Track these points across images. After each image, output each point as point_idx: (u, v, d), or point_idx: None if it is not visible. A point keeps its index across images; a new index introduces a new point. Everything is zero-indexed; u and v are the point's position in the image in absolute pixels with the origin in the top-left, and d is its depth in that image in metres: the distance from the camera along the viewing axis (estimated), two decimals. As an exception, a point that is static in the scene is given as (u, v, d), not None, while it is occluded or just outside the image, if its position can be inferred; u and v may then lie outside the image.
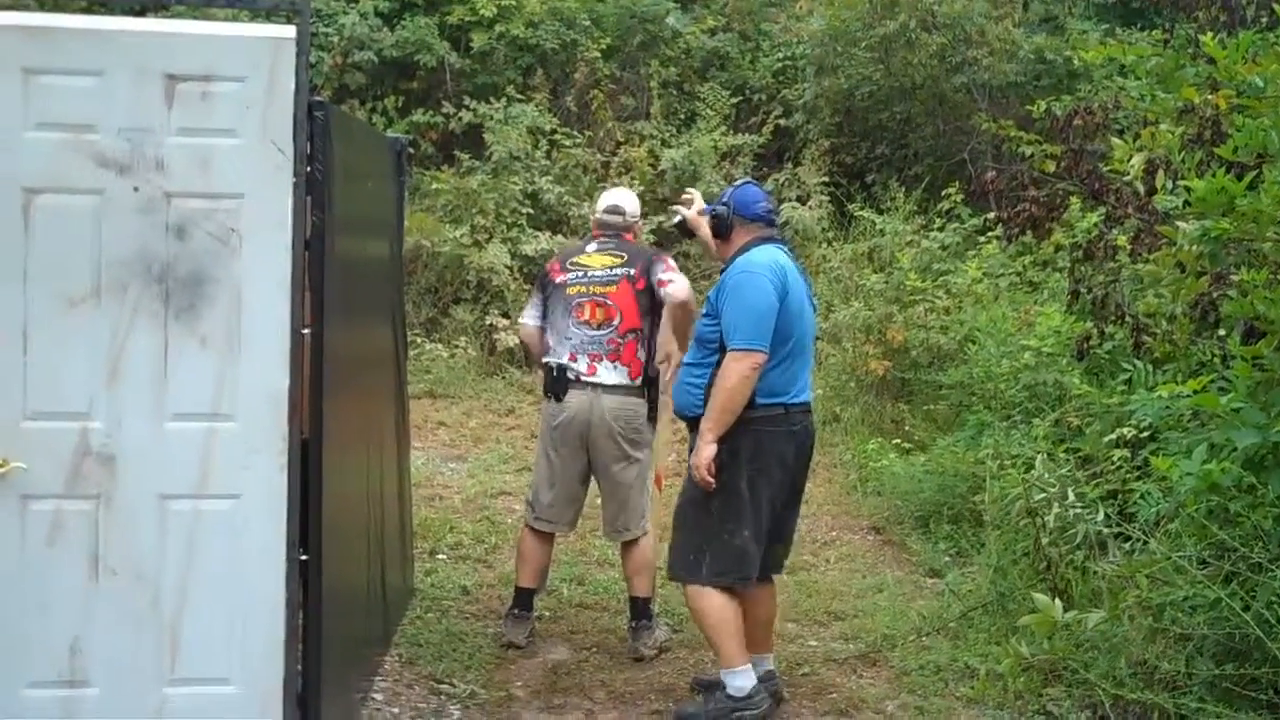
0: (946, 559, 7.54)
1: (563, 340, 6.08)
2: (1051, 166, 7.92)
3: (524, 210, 13.16)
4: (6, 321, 4.08)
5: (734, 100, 14.91)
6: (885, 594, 7.04)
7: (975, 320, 9.91)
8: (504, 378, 11.86)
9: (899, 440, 9.47)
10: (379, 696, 5.40)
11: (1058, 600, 4.99)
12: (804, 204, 13.70)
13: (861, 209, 13.10)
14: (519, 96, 14.28)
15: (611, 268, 6.07)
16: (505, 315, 12.35)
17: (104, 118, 4.35)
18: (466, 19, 14.67)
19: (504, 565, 7.16)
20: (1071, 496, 6.17)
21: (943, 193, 12.56)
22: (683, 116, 14.91)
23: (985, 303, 10.28)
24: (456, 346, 12.22)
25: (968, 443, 8.49)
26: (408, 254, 11.18)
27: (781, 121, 14.71)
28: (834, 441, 10.08)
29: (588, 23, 14.95)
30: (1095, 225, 8.35)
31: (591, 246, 6.24)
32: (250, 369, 4.16)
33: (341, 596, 4.59)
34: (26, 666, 4.09)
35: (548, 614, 6.47)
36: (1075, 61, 11.91)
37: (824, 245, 13.13)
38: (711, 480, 5.15)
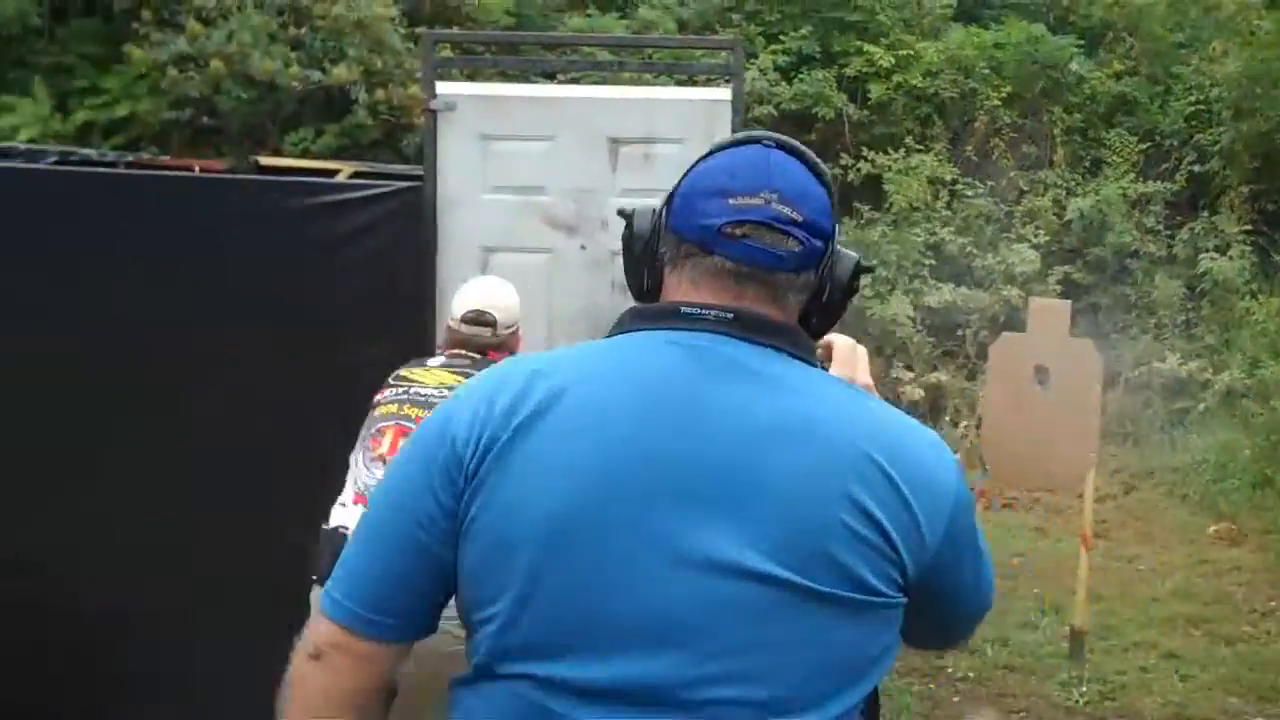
0: None
1: (351, 491, 3.79)
2: None
3: (926, 261, 13.00)
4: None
5: (1142, 146, 14.31)
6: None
7: None
8: (907, 430, 11.70)
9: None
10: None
11: None
12: (1224, 254, 13.00)
13: (1287, 257, 12.35)
14: (918, 146, 14.16)
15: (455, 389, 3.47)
16: (908, 368, 12.21)
17: (553, 180, 4.55)
18: (864, 70, 14.66)
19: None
20: None
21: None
22: (1087, 164, 14.44)
23: None
24: (859, 399, 12.14)
25: None
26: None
27: (1195, 168, 14.03)
28: (1267, 505, 9.47)
29: (987, 71, 14.70)
30: None
31: (436, 360, 4.02)
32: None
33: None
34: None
35: (972, 675, 6.31)
36: None
37: (1248, 298, 12.41)
38: None
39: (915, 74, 14.56)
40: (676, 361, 1.70)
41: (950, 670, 6.33)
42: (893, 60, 14.57)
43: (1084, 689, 6.13)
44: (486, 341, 3.94)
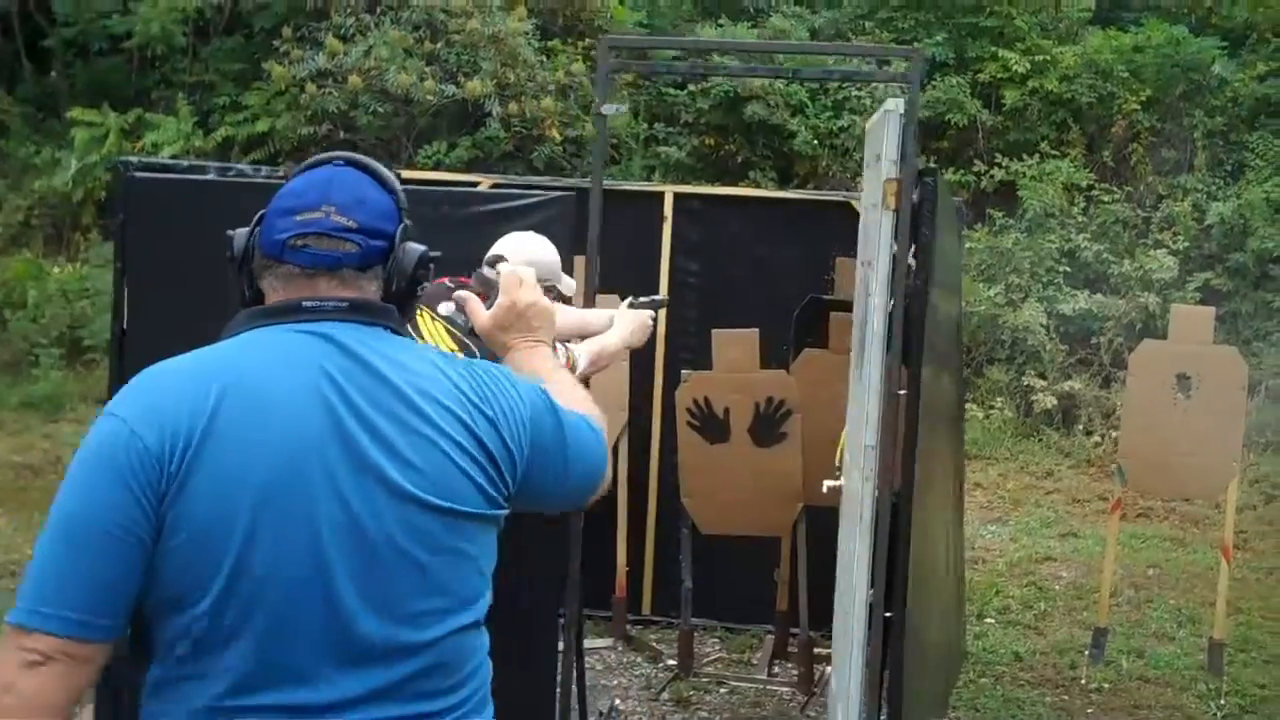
0: None
1: None
2: None
3: (1060, 269, 12.84)
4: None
5: (1288, 150, 14.00)
6: None
7: None
8: (1041, 440, 11.58)
9: None
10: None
11: None
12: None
13: None
14: (1053, 152, 13.99)
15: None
16: (1041, 376, 12.07)
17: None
18: (998, 76, 14.52)
19: (1055, 633, 7.00)
20: None
21: None
22: (1229, 168, 14.14)
23: None
24: (992, 407, 12.05)
25: None
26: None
27: (1342, 169, 13.68)
28: None
29: (1125, 74, 14.44)
30: None
31: (445, 307, 3.79)
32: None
33: (920, 655, 4.61)
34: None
35: (1107, 686, 6.25)
36: None
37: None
38: None
39: (1051, 79, 14.38)
40: (313, 346, 2.06)
41: (1084, 681, 6.27)
42: (1028, 65, 14.40)
43: (1222, 702, 6.03)
44: (495, 284, 3.78)
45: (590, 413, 2.37)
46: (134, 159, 4.63)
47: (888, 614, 4.23)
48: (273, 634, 1.95)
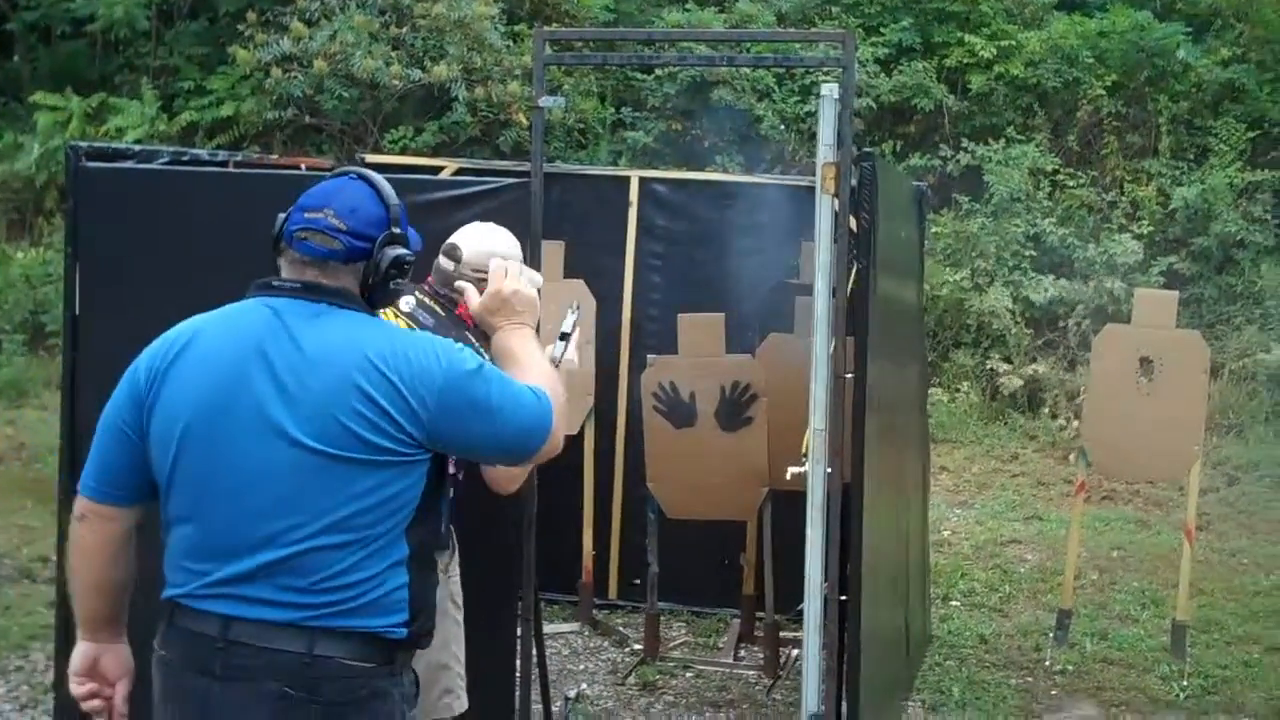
0: None
1: None
2: None
3: (1026, 253, 12.89)
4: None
5: (1250, 134, 14.05)
6: None
7: None
8: (1006, 423, 11.62)
9: None
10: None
11: None
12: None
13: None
14: (1019, 137, 14.02)
15: None
16: (1007, 360, 12.13)
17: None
18: (965, 61, 14.53)
19: (1020, 616, 7.05)
20: None
21: None
22: (1193, 153, 14.20)
23: None
24: (957, 391, 12.10)
25: None
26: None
27: (1306, 154, 13.75)
28: None
29: (1091, 59, 14.48)
30: None
31: (407, 302, 3.85)
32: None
33: (876, 638, 4.63)
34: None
35: (1071, 668, 6.29)
36: None
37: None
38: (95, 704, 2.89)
39: (1017, 64, 14.40)
40: (263, 315, 2.71)
41: (1049, 663, 6.31)
42: (994, 50, 14.41)
43: (1185, 683, 6.07)
44: (449, 273, 3.90)
45: (543, 384, 2.86)
46: (84, 144, 4.57)
47: (843, 597, 4.24)
48: (191, 521, 2.68)
